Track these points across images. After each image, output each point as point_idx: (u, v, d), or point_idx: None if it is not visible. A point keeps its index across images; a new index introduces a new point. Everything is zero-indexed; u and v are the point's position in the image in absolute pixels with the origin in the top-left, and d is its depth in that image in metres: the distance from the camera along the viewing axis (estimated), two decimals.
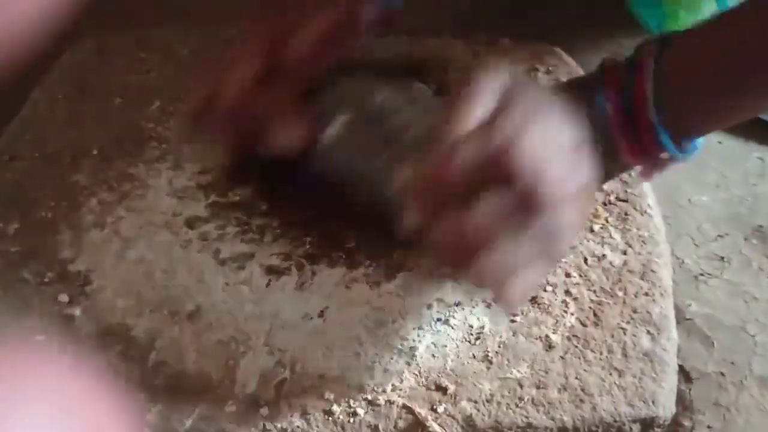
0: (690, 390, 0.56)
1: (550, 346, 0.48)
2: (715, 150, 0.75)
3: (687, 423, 0.54)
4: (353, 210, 0.54)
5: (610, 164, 0.49)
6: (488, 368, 0.47)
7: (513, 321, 0.50)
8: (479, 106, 0.42)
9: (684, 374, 0.56)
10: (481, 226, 0.41)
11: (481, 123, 0.41)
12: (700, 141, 0.50)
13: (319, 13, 0.53)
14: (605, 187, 0.58)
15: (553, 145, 0.42)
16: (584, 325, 0.50)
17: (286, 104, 0.53)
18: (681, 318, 0.59)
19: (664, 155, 0.49)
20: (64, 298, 0.51)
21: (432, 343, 0.48)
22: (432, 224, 0.42)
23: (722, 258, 0.65)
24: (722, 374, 0.57)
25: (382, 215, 0.49)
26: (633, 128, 0.48)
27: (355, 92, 0.54)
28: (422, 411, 0.45)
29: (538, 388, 0.46)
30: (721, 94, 0.47)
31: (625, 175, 0.60)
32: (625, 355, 0.48)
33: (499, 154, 0.40)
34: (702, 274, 0.64)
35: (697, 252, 0.66)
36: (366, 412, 0.45)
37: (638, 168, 0.54)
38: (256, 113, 0.52)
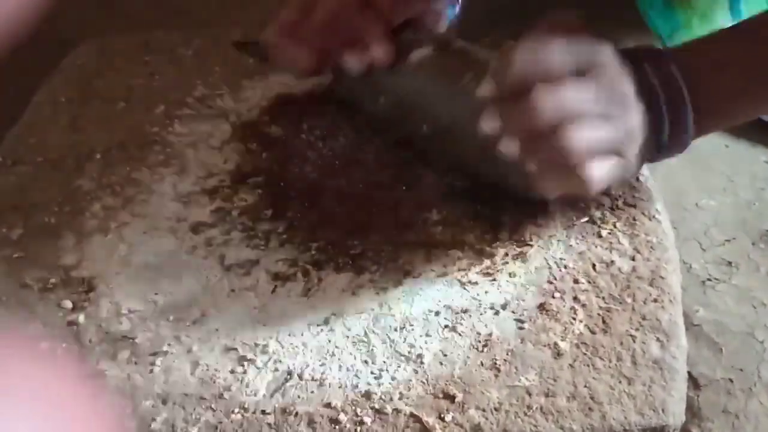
0: (698, 397, 0.55)
1: (558, 354, 0.48)
2: (723, 154, 0.74)
3: (696, 430, 0.54)
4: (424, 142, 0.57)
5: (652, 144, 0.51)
6: (496, 376, 0.47)
7: (521, 328, 0.49)
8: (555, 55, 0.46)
9: (692, 381, 0.56)
10: (570, 100, 0.45)
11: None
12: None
13: None
14: (613, 192, 0.58)
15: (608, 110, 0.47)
16: (593, 332, 0.49)
17: (380, 26, 0.55)
18: (689, 324, 0.59)
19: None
20: (67, 304, 0.51)
21: (439, 350, 0.48)
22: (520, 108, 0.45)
23: (730, 263, 0.65)
24: (731, 381, 0.56)
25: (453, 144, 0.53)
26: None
27: (439, 36, 0.57)
28: (430, 419, 0.45)
29: (546, 396, 0.46)
30: (735, 99, 0.50)
31: (633, 181, 0.59)
32: (634, 362, 0.47)
33: (586, 49, 0.46)
34: (709, 279, 0.63)
35: (705, 257, 0.65)
36: (373, 421, 0.45)
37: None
38: (352, 29, 0.55)
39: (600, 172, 0.47)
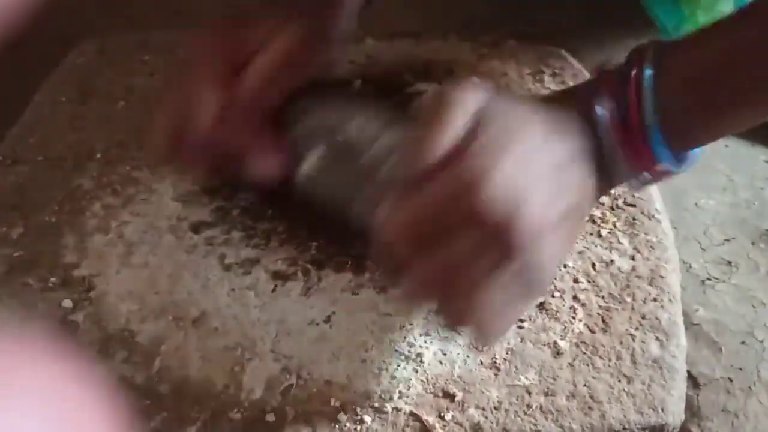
0: (698, 396, 0.55)
1: (558, 353, 0.48)
2: (722, 153, 0.74)
3: (695, 429, 0.54)
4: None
5: (610, 174, 0.46)
6: (496, 375, 0.47)
7: (521, 327, 0.49)
8: (449, 132, 0.39)
9: (692, 380, 0.56)
10: (455, 269, 0.39)
11: (452, 151, 0.39)
12: (698, 151, 0.48)
13: (276, 33, 0.51)
14: (612, 191, 0.58)
15: (533, 168, 0.39)
16: (592, 331, 0.49)
17: (257, 138, 0.51)
18: (688, 323, 0.59)
19: (660, 166, 0.46)
20: (67, 303, 0.51)
21: (439, 349, 0.48)
22: (407, 268, 0.41)
23: (729, 262, 0.65)
24: (730, 380, 0.56)
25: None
26: (630, 136, 0.45)
27: (329, 120, 0.51)
28: (429, 418, 0.45)
29: (546, 395, 0.46)
30: (719, 104, 0.45)
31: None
32: (633, 361, 0.48)
33: (469, 193, 0.38)
34: (709, 279, 0.63)
35: (704, 256, 0.65)
36: (373, 420, 0.45)
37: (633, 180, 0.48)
38: (229, 147, 0.51)
39: (497, 332, 0.43)
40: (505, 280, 0.39)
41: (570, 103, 0.45)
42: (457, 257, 0.39)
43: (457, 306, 0.41)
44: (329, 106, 0.52)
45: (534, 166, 0.39)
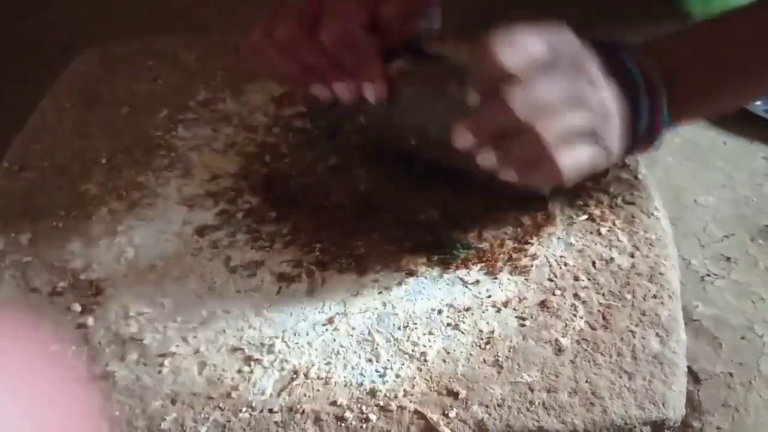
0: (698, 391, 0.56)
1: (559, 350, 0.49)
2: (721, 151, 0.75)
3: (696, 424, 0.55)
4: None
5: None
6: (499, 372, 0.48)
7: (523, 325, 0.50)
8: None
9: (692, 375, 0.57)
10: (539, 94, 0.45)
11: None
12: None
13: None
14: (611, 189, 0.59)
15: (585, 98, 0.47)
16: (593, 328, 0.50)
17: (379, 61, 0.54)
18: (688, 319, 0.59)
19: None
20: (76, 307, 0.52)
21: (443, 348, 0.49)
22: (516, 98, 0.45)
23: (729, 258, 0.65)
24: (730, 375, 0.57)
25: (443, 153, 0.52)
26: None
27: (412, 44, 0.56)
28: (434, 416, 0.45)
29: (548, 391, 0.47)
30: (710, 91, 0.51)
31: (631, 178, 0.60)
32: (634, 357, 0.48)
33: (554, 37, 0.46)
34: (708, 275, 0.64)
35: (704, 253, 0.66)
36: (378, 418, 0.45)
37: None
38: (352, 56, 0.54)
39: (574, 159, 0.47)
40: (581, 112, 0.46)
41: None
42: (542, 86, 0.45)
43: (540, 129, 0.45)
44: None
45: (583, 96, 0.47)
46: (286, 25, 0.53)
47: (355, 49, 0.53)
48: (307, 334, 0.50)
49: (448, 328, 0.50)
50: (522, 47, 0.45)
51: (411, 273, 0.53)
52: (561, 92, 0.46)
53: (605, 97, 0.48)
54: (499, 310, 0.51)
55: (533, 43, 0.46)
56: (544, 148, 0.46)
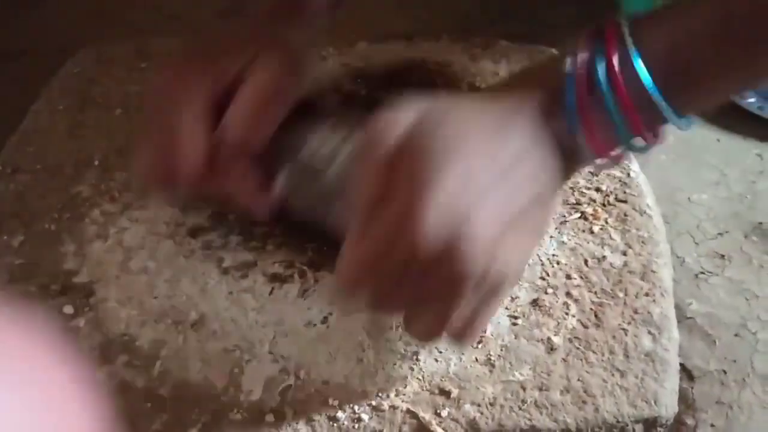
0: (692, 388, 0.56)
1: (551, 349, 0.49)
2: (714, 148, 0.75)
3: (690, 421, 0.55)
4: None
5: (574, 153, 0.42)
6: (491, 371, 0.48)
7: (515, 324, 0.50)
8: (377, 166, 0.39)
9: (686, 373, 0.57)
10: (416, 299, 0.40)
11: (391, 178, 0.39)
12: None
13: (255, 61, 0.49)
14: (604, 187, 0.59)
15: (474, 178, 0.38)
16: (585, 326, 0.50)
17: (245, 182, 0.51)
18: (682, 317, 0.59)
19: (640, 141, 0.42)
20: (68, 309, 0.52)
21: (435, 347, 0.49)
22: (370, 304, 0.42)
23: (722, 256, 0.65)
24: (724, 372, 0.57)
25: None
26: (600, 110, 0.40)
27: (292, 141, 0.51)
28: (426, 415, 0.45)
29: (540, 390, 0.47)
30: (712, 68, 0.41)
31: (624, 176, 0.60)
32: (626, 355, 0.48)
33: (407, 230, 0.37)
34: (702, 273, 0.64)
35: (698, 250, 0.66)
36: (370, 418, 0.45)
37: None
38: (217, 189, 0.51)
39: (469, 339, 0.43)
40: (468, 297, 0.39)
41: (530, 80, 0.43)
42: (415, 290, 0.39)
43: (424, 327, 0.42)
44: (297, 127, 0.52)
45: (475, 174, 0.38)
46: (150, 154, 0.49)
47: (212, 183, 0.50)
48: (299, 335, 0.50)
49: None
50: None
51: None
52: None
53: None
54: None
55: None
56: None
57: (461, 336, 0.42)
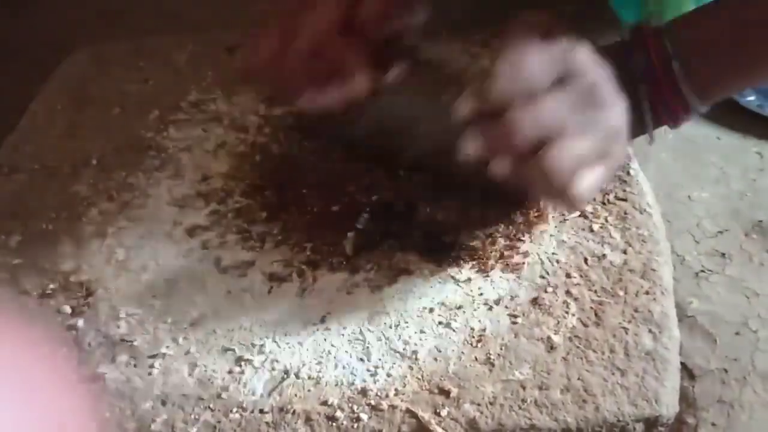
0: (693, 387, 0.56)
1: (551, 347, 0.48)
2: (714, 146, 0.75)
3: (691, 420, 0.54)
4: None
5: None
6: (490, 370, 0.47)
7: (515, 323, 0.50)
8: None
9: (687, 372, 0.56)
10: (549, 116, 0.44)
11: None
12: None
13: None
14: (604, 186, 0.59)
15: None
16: (586, 325, 0.50)
17: (362, 54, 0.52)
18: (682, 315, 0.59)
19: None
20: (66, 309, 0.51)
21: (434, 346, 0.48)
22: (500, 135, 0.45)
23: (723, 254, 0.65)
24: (725, 371, 0.57)
25: (438, 159, 0.52)
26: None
27: (410, 47, 0.54)
28: (425, 415, 0.45)
29: (540, 389, 0.46)
30: (728, 71, 0.53)
31: (624, 174, 0.60)
32: (627, 354, 0.48)
33: (563, 55, 0.45)
34: (703, 271, 0.64)
35: (698, 248, 0.66)
36: (369, 417, 0.45)
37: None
38: (334, 57, 0.52)
39: (586, 187, 0.46)
40: (591, 134, 0.45)
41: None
42: (548, 105, 0.45)
43: (549, 156, 0.45)
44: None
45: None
46: (268, 38, 0.52)
47: (334, 50, 0.51)
48: (298, 334, 0.49)
49: (439, 326, 0.50)
50: (531, 66, 0.45)
51: (402, 272, 0.53)
52: (568, 115, 0.45)
53: (614, 116, 0.48)
54: (491, 308, 0.50)
55: (540, 63, 0.45)
56: (553, 177, 0.45)
57: (581, 183, 0.46)
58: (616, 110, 0.48)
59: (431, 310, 0.50)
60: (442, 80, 0.52)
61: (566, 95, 0.45)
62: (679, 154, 0.74)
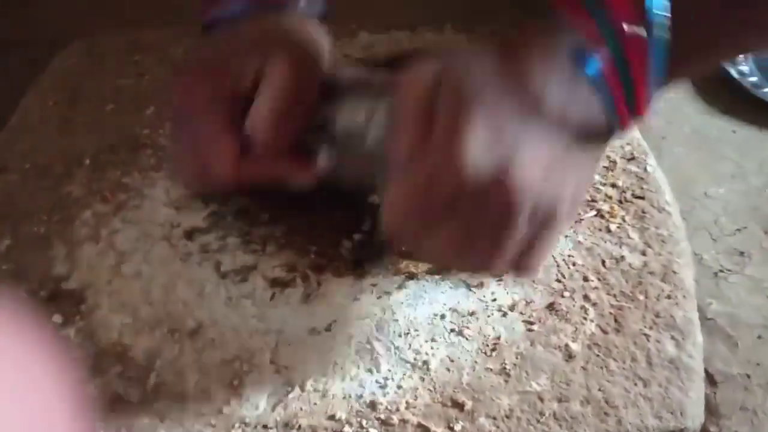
0: (715, 394, 0.53)
1: (570, 356, 0.46)
2: (730, 140, 0.72)
3: (713, 429, 0.52)
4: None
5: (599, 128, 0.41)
6: (506, 381, 0.45)
7: (530, 330, 0.47)
8: (419, 119, 0.39)
9: (708, 377, 0.54)
10: (468, 237, 0.39)
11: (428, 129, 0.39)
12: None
13: (270, 65, 0.47)
14: (620, 183, 0.56)
15: (515, 116, 0.38)
16: (605, 332, 0.47)
17: (283, 166, 0.48)
18: (702, 318, 0.57)
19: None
20: (58, 318, 0.49)
21: (446, 356, 0.46)
22: (420, 249, 0.41)
23: (742, 253, 0.63)
24: (748, 376, 0.54)
25: None
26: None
27: (326, 113, 0.48)
28: (438, 429, 0.43)
29: (559, 401, 0.44)
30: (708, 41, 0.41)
31: (640, 171, 0.57)
32: (649, 363, 0.46)
33: (452, 166, 0.37)
34: (722, 271, 0.61)
35: (716, 247, 0.63)
36: None
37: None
38: (258, 180, 0.49)
39: (534, 270, 0.42)
40: (523, 228, 0.39)
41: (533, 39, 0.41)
42: (464, 224, 0.39)
43: (478, 259, 0.41)
44: (323, 103, 0.49)
45: (512, 113, 0.38)
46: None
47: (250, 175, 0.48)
48: (303, 343, 0.47)
49: (451, 334, 0.47)
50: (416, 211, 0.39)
51: (411, 276, 0.50)
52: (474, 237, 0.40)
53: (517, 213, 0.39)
54: (505, 315, 0.48)
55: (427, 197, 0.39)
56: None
57: (521, 267, 0.41)
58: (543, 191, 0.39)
59: (442, 317, 0.48)
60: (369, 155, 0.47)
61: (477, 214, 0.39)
62: (693, 148, 0.72)
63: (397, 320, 0.48)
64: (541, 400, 0.44)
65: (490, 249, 0.40)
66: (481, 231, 0.39)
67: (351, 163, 0.48)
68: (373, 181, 0.47)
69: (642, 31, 0.38)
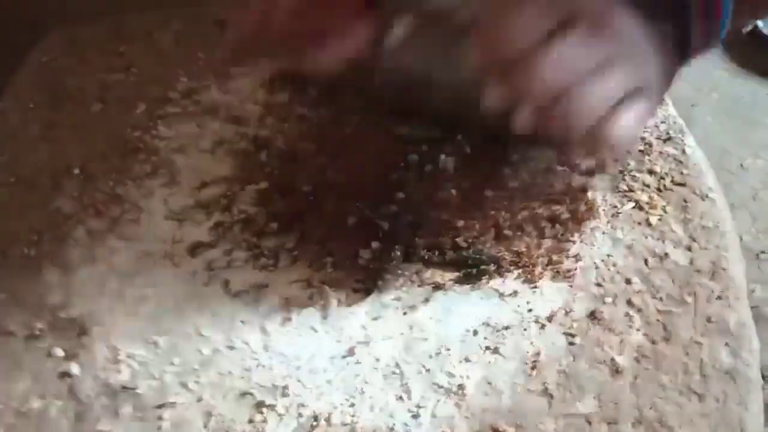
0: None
1: (617, 371, 0.42)
2: (765, 104, 0.68)
3: None
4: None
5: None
6: (549, 403, 0.41)
7: (572, 344, 0.43)
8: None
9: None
10: (568, 65, 0.40)
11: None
12: None
13: None
14: (658, 169, 0.52)
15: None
16: (653, 342, 0.43)
17: (348, 9, 0.46)
18: None
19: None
20: (58, 352, 0.45)
21: (482, 377, 0.42)
22: (519, 85, 0.40)
23: None
24: None
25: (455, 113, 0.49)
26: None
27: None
28: None
29: (609, 423, 0.40)
30: None
31: (678, 153, 0.53)
32: (703, 375, 0.42)
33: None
34: (764, 252, 0.57)
35: (756, 226, 0.59)
36: None
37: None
38: (319, 22, 0.46)
39: (623, 125, 0.41)
40: (615, 70, 0.40)
41: None
42: (564, 54, 0.39)
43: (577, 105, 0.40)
44: None
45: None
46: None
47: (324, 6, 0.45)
48: (325, 371, 0.43)
49: (487, 352, 0.43)
50: (531, 21, 0.40)
51: (437, 287, 0.46)
52: (583, 58, 0.40)
53: (636, 48, 0.42)
54: (543, 327, 0.44)
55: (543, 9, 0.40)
56: (581, 122, 0.40)
57: (616, 124, 0.41)
58: (637, 44, 0.42)
59: (475, 333, 0.44)
60: (453, 33, 0.45)
61: (576, 39, 0.40)
62: (725, 116, 0.67)
63: (426, 339, 0.44)
64: (589, 423, 0.41)
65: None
66: (585, 55, 0.40)
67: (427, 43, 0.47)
68: (436, 82, 0.47)
69: None
